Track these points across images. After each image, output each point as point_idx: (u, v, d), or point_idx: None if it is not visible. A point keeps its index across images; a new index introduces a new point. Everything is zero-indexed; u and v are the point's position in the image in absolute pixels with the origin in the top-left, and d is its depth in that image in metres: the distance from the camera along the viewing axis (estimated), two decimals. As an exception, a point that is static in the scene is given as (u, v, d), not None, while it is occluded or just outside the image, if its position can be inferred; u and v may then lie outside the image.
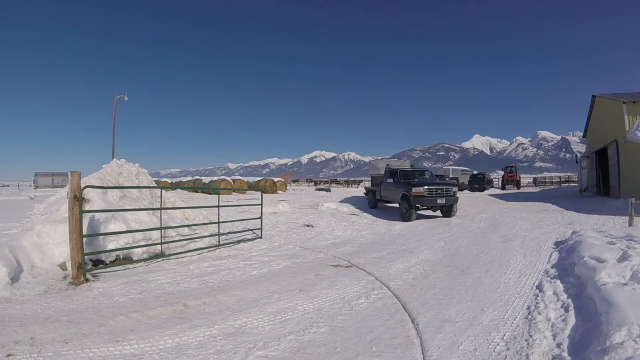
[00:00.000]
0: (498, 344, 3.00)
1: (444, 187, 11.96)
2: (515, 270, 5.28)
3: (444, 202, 11.68)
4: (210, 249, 6.84)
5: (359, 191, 35.57)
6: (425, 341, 3.08)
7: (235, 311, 3.75)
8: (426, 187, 11.58)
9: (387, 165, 15.65)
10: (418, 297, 4.25)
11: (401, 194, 12.17)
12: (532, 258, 6.02)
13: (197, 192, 30.79)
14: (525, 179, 53.48)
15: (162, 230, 6.11)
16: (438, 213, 12.89)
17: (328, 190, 37.91)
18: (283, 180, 38.51)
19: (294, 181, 47.61)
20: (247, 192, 27.64)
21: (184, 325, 3.38)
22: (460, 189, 27.61)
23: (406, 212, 11.68)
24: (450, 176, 32.66)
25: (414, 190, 11.48)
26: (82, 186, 4.76)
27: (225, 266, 5.70)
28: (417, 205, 11.64)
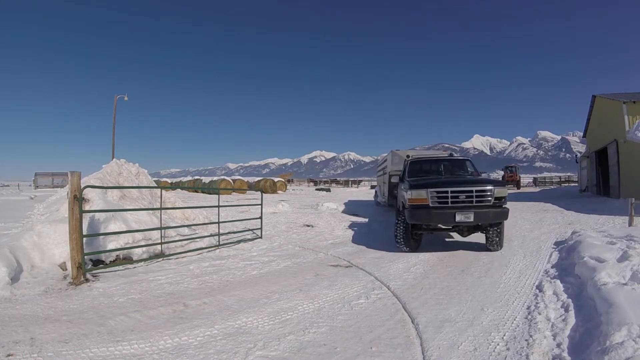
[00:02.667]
0: (498, 344, 2.99)
1: (474, 190, 6.27)
2: (515, 270, 5.28)
3: (471, 219, 6.12)
4: (210, 249, 6.83)
5: (359, 191, 35.58)
6: (425, 341, 3.08)
7: (235, 311, 3.75)
8: (433, 189, 6.32)
9: (407, 156, 9.28)
10: (418, 297, 4.25)
11: (401, 202, 7.43)
12: (532, 258, 6.02)
13: (197, 192, 30.81)
14: (525, 179, 53.55)
15: (162, 230, 6.11)
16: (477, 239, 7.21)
17: (328, 190, 37.95)
18: (283, 180, 38.55)
19: (289, 181, 47.62)
20: (247, 192, 27.66)
21: (184, 325, 3.38)
22: None
23: (397, 235, 6.76)
24: None
25: (410, 195, 6.46)
26: (82, 186, 4.76)
27: (225, 266, 5.70)
28: (417, 224, 6.62)
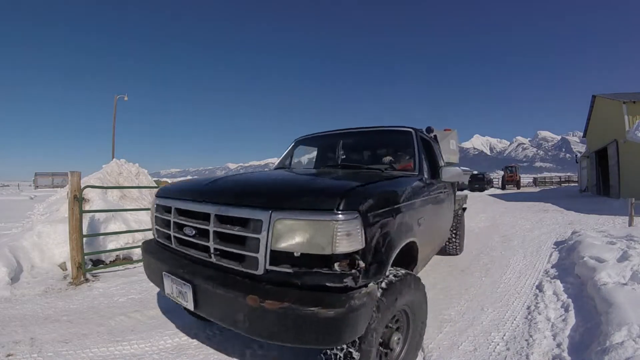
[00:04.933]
0: (498, 344, 2.99)
1: (211, 215, 2.03)
2: (515, 270, 5.28)
3: (186, 303, 2.10)
4: (210, 249, 6.82)
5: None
6: (425, 341, 3.08)
7: (235, 311, 3.74)
8: (159, 198, 2.72)
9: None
10: (418, 297, 4.24)
11: None
12: (532, 258, 6.02)
13: (197, 192, 30.79)
14: (525, 179, 53.57)
15: (162, 230, 6.11)
16: None
17: (328, 190, 37.89)
18: (283, 180, 38.54)
19: None
20: (247, 192, 27.63)
21: (184, 325, 3.37)
22: (460, 189, 26.84)
23: None
24: None
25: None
26: (82, 186, 4.76)
27: (225, 266, 5.69)
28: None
